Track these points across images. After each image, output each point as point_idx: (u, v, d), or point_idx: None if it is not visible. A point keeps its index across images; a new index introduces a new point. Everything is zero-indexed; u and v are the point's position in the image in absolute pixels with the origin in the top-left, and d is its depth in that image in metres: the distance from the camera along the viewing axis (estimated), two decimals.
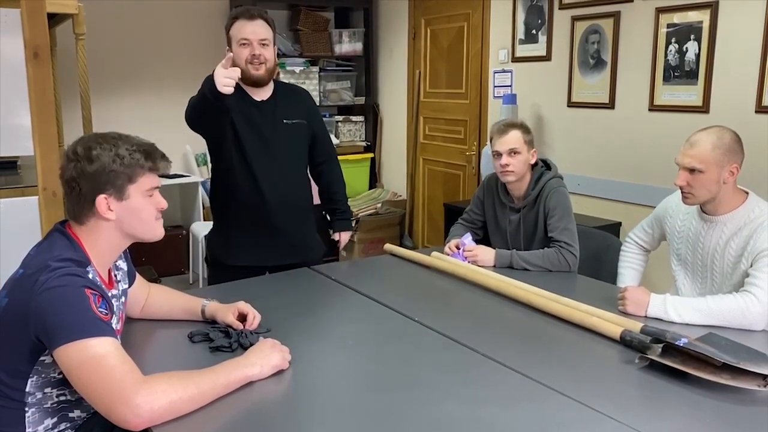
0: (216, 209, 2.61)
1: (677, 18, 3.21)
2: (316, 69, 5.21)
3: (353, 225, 3.00)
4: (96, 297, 1.39)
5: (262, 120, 2.45)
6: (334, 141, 4.60)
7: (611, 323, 1.79)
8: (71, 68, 3.82)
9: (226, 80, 2.03)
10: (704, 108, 3.12)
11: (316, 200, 2.73)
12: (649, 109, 3.38)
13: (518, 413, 1.39)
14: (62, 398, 1.46)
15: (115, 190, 1.49)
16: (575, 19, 3.70)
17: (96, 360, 1.32)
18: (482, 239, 2.69)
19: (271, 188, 2.45)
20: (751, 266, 1.92)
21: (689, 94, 3.19)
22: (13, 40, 2.72)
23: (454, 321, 1.94)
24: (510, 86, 4.17)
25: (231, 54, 2.12)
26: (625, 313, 1.91)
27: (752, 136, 2.92)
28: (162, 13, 4.95)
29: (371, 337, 1.84)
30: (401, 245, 4.08)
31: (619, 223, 3.52)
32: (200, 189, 4.87)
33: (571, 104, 3.81)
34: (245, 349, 1.65)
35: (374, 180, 5.56)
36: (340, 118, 5.43)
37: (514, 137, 2.44)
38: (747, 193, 2.04)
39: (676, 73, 3.24)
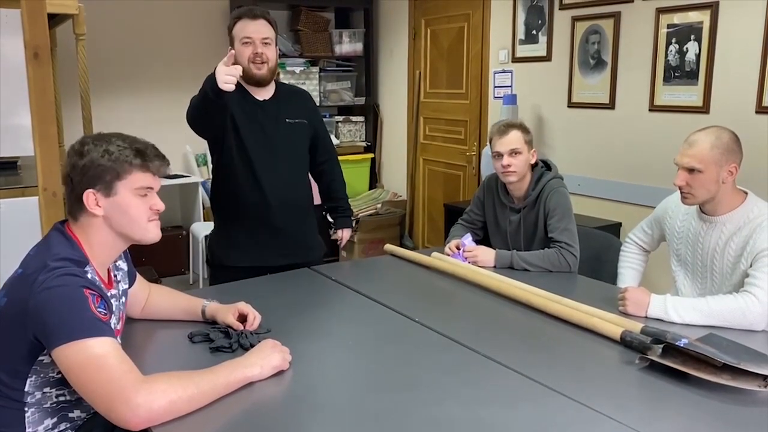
0: (217, 209, 2.61)
1: (677, 18, 3.21)
2: (316, 69, 5.21)
3: (353, 225, 3.01)
4: (95, 297, 1.39)
5: (265, 119, 2.46)
6: (334, 141, 4.60)
7: (611, 324, 1.79)
8: (71, 68, 3.82)
9: (227, 77, 2.04)
10: (704, 108, 3.12)
11: (316, 200, 2.74)
12: (650, 110, 3.38)
13: (518, 414, 1.39)
14: (61, 398, 1.46)
15: (103, 185, 1.48)
16: (575, 19, 3.70)
17: (95, 360, 1.32)
18: (482, 240, 2.69)
19: (272, 187, 2.45)
20: (751, 266, 1.92)
21: (689, 94, 3.19)
22: (14, 40, 2.72)
23: (454, 321, 1.94)
24: (510, 87, 4.17)
25: (233, 51, 2.13)
26: (625, 314, 1.91)
27: (752, 137, 2.93)
28: (162, 13, 4.95)
29: (371, 337, 1.84)
30: (401, 246, 4.08)
31: (620, 224, 3.52)
32: (200, 189, 4.87)
33: (571, 105, 3.81)
34: (245, 349, 1.65)
35: (374, 180, 5.56)
36: (341, 118, 5.43)
37: (515, 137, 2.44)
38: (746, 193, 2.04)
39: (676, 74, 3.24)
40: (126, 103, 4.86)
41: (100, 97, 4.45)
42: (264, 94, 2.48)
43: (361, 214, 4.98)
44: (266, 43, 2.38)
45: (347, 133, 5.44)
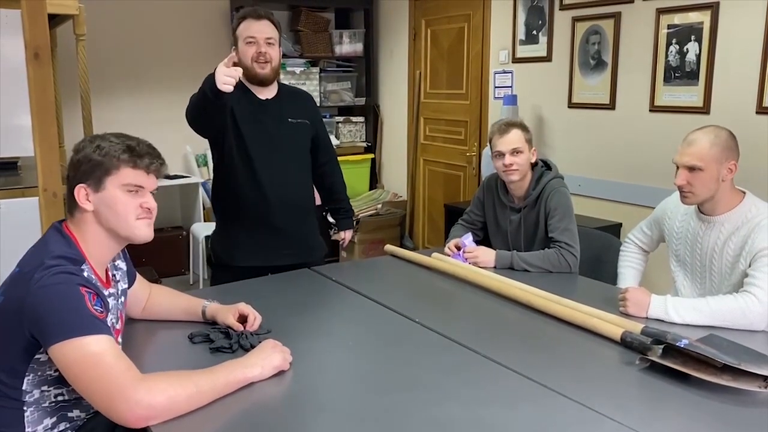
0: (218, 209, 2.61)
1: (678, 19, 3.21)
2: (316, 70, 5.21)
3: (354, 225, 3.03)
4: (91, 295, 1.39)
5: (267, 118, 2.47)
6: (335, 142, 4.61)
7: (612, 324, 1.79)
8: (72, 69, 3.82)
9: (226, 78, 2.05)
10: (705, 109, 3.12)
11: (317, 200, 2.75)
12: (650, 110, 3.38)
13: (519, 414, 1.39)
14: (60, 398, 1.46)
15: (93, 180, 1.49)
16: (576, 19, 3.70)
17: (93, 358, 1.32)
18: (483, 240, 2.69)
19: (272, 186, 2.46)
20: (750, 266, 1.92)
21: (690, 95, 3.19)
22: (14, 40, 2.72)
23: (454, 322, 1.94)
24: (510, 87, 4.17)
25: (233, 54, 2.14)
26: (626, 315, 1.91)
27: (753, 137, 2.93)
28: (162, 14, 4.95)
29: (371, 337, 1.84)
30: (402, 246, 4.08)
31: (620, 224, 3.52)
32: (200, 190, 4.87)
33: (571, 105, 3.81)
34: (246, 350, 1.66)
35: (374, 181, 5.56)
36: (341, 118, 5.44)
37: (516, 136, 2.44)
38: (744, 193, 2.04)
39: (676, 74, 3.24)
40: (126, 103, 4.86)
41: (100, 98, 4.45)
42: (267, 93, 2.49)
43: (361, 215, 4.98)
44: (270, 43, 2.40)
45: (347, 133, 5.44)
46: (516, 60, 4.13)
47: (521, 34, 4.07)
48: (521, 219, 2.53)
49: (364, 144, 5.49)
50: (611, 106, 3.57)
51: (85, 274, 1.45)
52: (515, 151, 2.42)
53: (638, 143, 3.45)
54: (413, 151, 5.14)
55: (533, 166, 2.52)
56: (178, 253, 4.91)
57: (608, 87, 3.56)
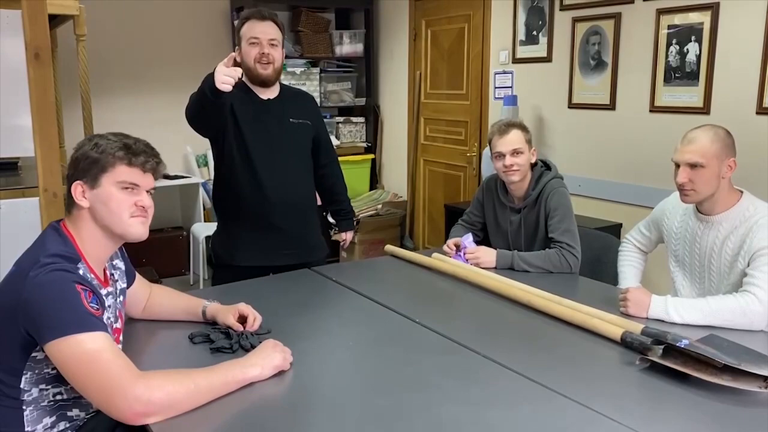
0: (218, 209, 2.62)
1: (678, 19, 3.21)
2: (316, 70, 5.21)
3: (355, 226, 3.04)
4: (87, 292, 1.40)
5: (269, 118, 2.48)
6: (335, 142, 4.61)
7: (612, 325, 1.79)
8: (72, 69, 3.82)
9: (225, 78, 2.06)
10: (705, 109, 3.12)
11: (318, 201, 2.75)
12: (650, 111, 3.38)
13: (519, 415, 1.39)
14: (59, 397, 1.47)
15: (89, 177, 1.50)
16: (576, 20, 3.70)
17: (90, 355, 1.32)
18: (483, 240, 2.69)
19: (273, 186, 2.46)
20: (749, 265, 1.93)
21: (690, 95, 3.19)
22: (14, 41, 2.72)
23: (454, 322, 1.94)
24: (511, 87, 4.17)
25: (233, 54, 2.15)
26: (626, 315, 1.91)
27: (753, 138, 2.93)
28: (162, 14, 4.95)
29: (372, 338, 1.84)
30: (402, 246, 4.08)
31: (620, 224, 3.52)
32: (201, 190, 4.87)
33: (571, 105, 3.81)
34: (246, 350, 1.66)
35: (375, 181, 5.57)
36: (341, 119, 5.44)
37: (516, 137, 2.44)
38: (741, 192, 2.05)
39: (676, 75, 3.24)
40: (126, 103, 4.87)
41: (100, 98, 4.45)
42: (269, 93, 2.50)
43: (361, 215, 4.98)
44: (273, 45, 2.42)
45: (348, 133, 5.44)
46: (516, 60, 4.13)
47: (521, 35, 4.07)
48: (521, 219, 2.52)
49: (365, 144, 5.49)
50: (611, 106, 3.57)
51: (81, 272, 1.45)
52: (515, 152, 2.42)
53: (638, 143, 3.45)
54: (413, 151, 5.14)
55: (533, 166, 2.52)
56: (179, 254, 4.91)
57: (608, 87, 3.57)
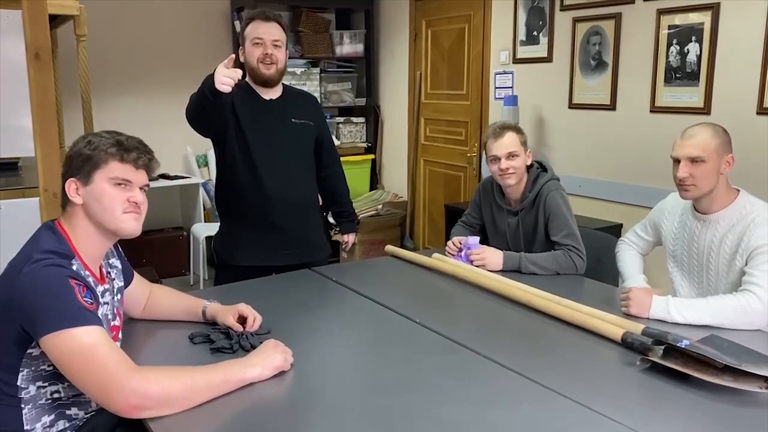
0: (220, 209, 2.62)
1: (678, 19, 3.21)
2: (317, 70, 5.21)
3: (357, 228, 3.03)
4: (80, 287, 1.41)
5: (271, 118, 2.48)
6: (335, 142, 4.60)
7: (613, 325, 1.79)
8: (72, 69, 3.82)
9: (225, 79, 2.06)
10: (705, 109, 3.12)
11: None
12: (651, 111, 3.38)
13: (519, 415, 1.39)
14: (56, 395, 1.47)
15: (83, 174, 1.51)
16: (576, 20, 3.70)
17: (86, 349, 1.33)
18: (483, 241, 2.68)
19: (274, 186, 2.46)
20: (747, 264, 1.93)
21: (690, 95, 3.19)
22: (15, 41, 2.72)
23: (454, 323, 1.94)
24: (511, 88, 4.17)
25: (233, 55, 2.15)
26: (628, 315, 1.91)
27: (753, 138, 2.93)
28: (163, 14, 4.95)
29: (372, 338, 1.84)
30: (402, 247, 4.08)
31: (620, 225, 3.52)
32: (201, 190, 4.87)
33: (572, 106, 3.81)
34: (246, 350, 1.66)
35: (375, 181, 5.57)
36: (341, 119, 5.44)
37: (511, 139, 2.42)
38: (738, 190, 2.05)
39: (677, 75, 3.24)
40: (127, 103, 4.87)
41: (100, 98, 4.46)
42: (271, 94, 2.51)
43: (361, 215, 4.98)
44: (276, 46, 2.43)
45: (348, 134, 5.44)
46: (516, 61, 4.13)
47: (522, 35, 4.07)
48: (519, 222, 2.52)
49: (365, 144, 5.50)
50: (612, 106, 3.57)
51: (75, 267, 1.46)
52: (511, 155, 2.40)
53: (639, 144, 3.45)
54: (414, 151, 5.14)
55: (529, 168, 2.51)
56: (179, 254, 4.91)
57: (609, 87, 3.56)
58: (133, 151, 1.54)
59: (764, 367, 1.47)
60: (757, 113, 2.94)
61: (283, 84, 2.56)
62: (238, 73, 2.10)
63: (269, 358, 1.53)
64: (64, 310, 1.35)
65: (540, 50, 3.95)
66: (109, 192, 1.52)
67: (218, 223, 2.70)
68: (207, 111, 2.22)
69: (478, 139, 4.49)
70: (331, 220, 2.96)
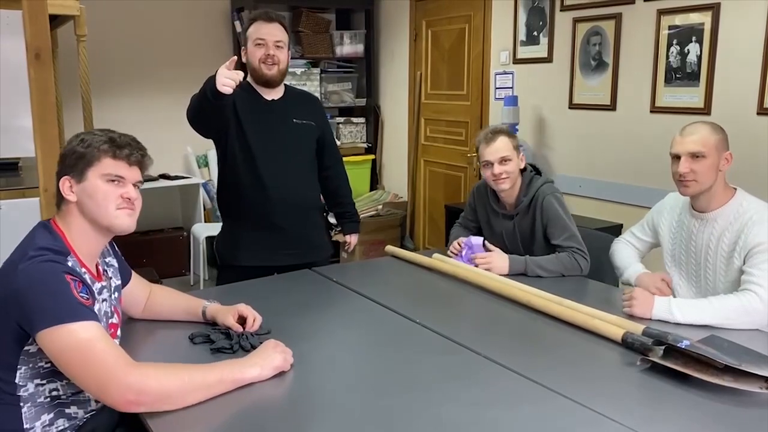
0: (222, 209, 2.63)
1: (679, 20, 3.21)
2: (317, 70, 5.21)
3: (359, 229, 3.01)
4: (76, 282, 1.41)
5: (272, 118, 2.49)
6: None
7: (613, 325, 1.79)
8: (73, 70, 3.82)
9: (226, 80, 2.07)
10: (706, 110, 3.12)
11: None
12: (651, 111, 3.38)
13: (520, 415, 1.39)
14: (55, 393, 1.47)
15: (76, 172, 1.52)
16: (576, 20, 3.70)
17: (83, 344, 1.34)
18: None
19: (275, 186, 2.47)
20: (745, 263, 1.94)
21: (691, 95, 3.19)
22: (15, 41, 2.72)
23: (455, 323, 1.94)
24: (511, 88, 4.17)
25: (235, 57, 2.16)
26: (630, 315, 1.90)
27: (754, 138, 2.93)
28: (163, 14, 4.95)
29: (372, 338, 1.84)
30: (402, 247, 4.08)
31: (620, 225, 3.52)
32: (201, 191, 4.87)
33: (572, 106, 3.80)
34: (246, 351, 1.66)
35: (375, 181, 5.57)
36: (341, 119, 5.44)
37: (503, 144, 2.40)
38: (735, 189, 2.06)
39: (677, 75, 3.24)
40: (127, 104, 4.87)
41: (101, 99, 4.45)
42: (273, 94, 2.52)
43: (361, 216, 4.96)
44: (278, 46, 2.44)
45: (348, 134, 5.44)
46: (517, 61, 4.13)
47: (522, 35, 4.07)
48: (515, 226, 2.50)
49: (365, 145, 5.50)
50: (612, 107, 3.57)
51: (70, 264, 1.46)
52: (503, 160, 2.39)
53: (639, 144, 3.45)
54: (414, 151, 5.14)
55: (522, 171, 2.50)
56: (179, 254, 4.91)
57: (609, 88, 3.56)
58: (126, 147, 1.55)
59: (764, 367, 1.47)
60: (758, 113, 2.94)
61: (285, 84, 2.57)
62: (240, 74, 2.10)
63: (269, 359, 1.53)
64: (61, 305, 1.36)
65: (540, 50, 3.95)
66: (102, 188, 1.52)
67: (218, 224, 2.70)
68: (208, 112, 2.23)
69: None
70: (331, 220, 2.96)
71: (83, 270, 1.51)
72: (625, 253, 2.34)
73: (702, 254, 2.09)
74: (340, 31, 5.37)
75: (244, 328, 1.78)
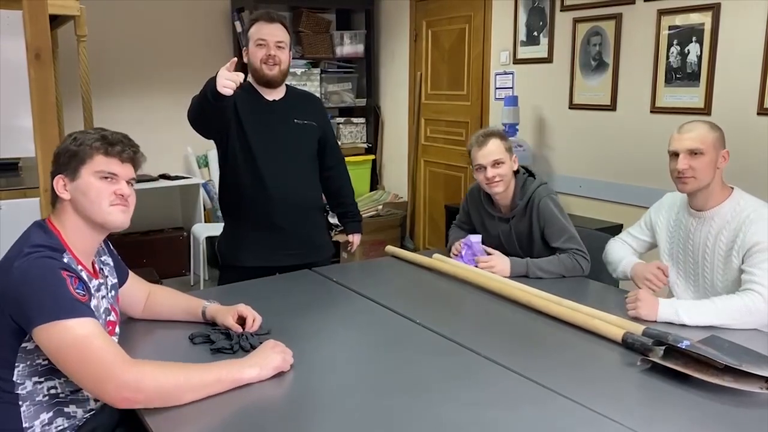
0: (224, 210, 2.63)
1: (679, 20, 3.20)
2: (317, 71, 5.21)
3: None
4: (72, 278, 1.42)
5: (273, 118, 2.49)
6: None
7: (613, 326, 1.79)
8: (73, 70, 3.82)
9: (227, 82, 2.07)
10: (706, 110, 3.12)
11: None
12: (651, 111, 3.38)
13: (520, 416, 1.39)
14: (53, 391, 1.48)
15: (70, 170, 1.53)
16: (577, 21, 3.70)
17: (80, 341, 1.35)
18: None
19: (276, 186, 2.47)
20: (744, 262, 1.94)
21: (691, 96, 3.19)
22: (15, 41, 2.72)
23: (455, 323, 1.94)
24: (511, 88, 4.17)
25: (235, 59, 2.16)
26: (636, 318, 1.88)
27: (754, 138, 2.93)
28: (163, 14, 4.95)
29: (372, 339, 1.84)
30: (402, 247, 4.08)
31: (621, 225, 3.52)
32: (201, 191, 4.87)
33: (572, 106, 3.80)
34: (246, 351, 1.66)
35: (375, 182, 5.57)
36: (342, 119, 5.44)
37: (495, 147, 2.38)
38: (732, 188, 2.07)
39: (677, 75, 3.24)
40: (127, 104, 4.87)
41: (101, 99, 4.45)
42: (274, 95, 2.52)
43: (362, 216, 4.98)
44: (280, 47, 2.44)
45: (348, 134, 5.44)
46: (517, 61, 4.13)
47: (522, 36, 4.07)
48: (511, 229, 2.50)
49: (365, 145, 5.50)
50: (612, 107, 3.57)
51: (66, 260, 1.47)
52: (496, 163, 2.37)
53: (639, 144, 3.45)
54: (414, 152, 5.14)
55: (516, 173, 2.49)
56: (179, 254, 4.91)
57: (609, 88, 3.56)
58: (118, 144, 1.56)
59: (764, 367, 1.47)
60: (758, 114, 2.94)
61: (286, 85, 2.57)
62: (240, 76, 2.11)
63: (267, 359, 1.53)
64: (57, 301, 1.36)
65: (540, 51, 3.95)
66: (95, 185, 1.53)
67: (219, 224, 2.71)
68: (208, 114, 2.23)
69: None
70: (331, 220, 2.95)
71: (79, 267, 1.51)
72: (619, 248, 2.34)
73: (699, 253, 2.09)
74: (340, 31, 5.37)
75: (243, 329, 1.78)
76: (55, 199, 1.56)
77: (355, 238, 2.82)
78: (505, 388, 1.52)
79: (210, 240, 4.49)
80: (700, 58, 3.13)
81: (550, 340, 1.82)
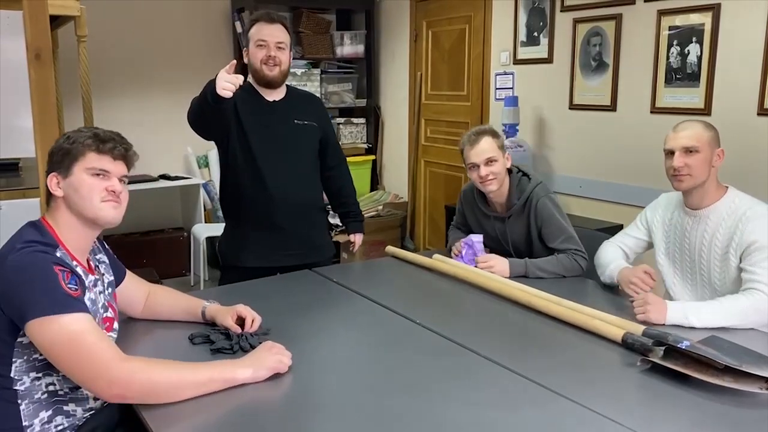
0: (225, 210, 2.63)
1: (679, 20, 3.20)
2: (317, 71, 5.21)
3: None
4: (65, 273, 1.42)
5: (273, 119, 2.49)
6: None
7: (613, 326, 1.79)
8: (73, 70, 3.82)
9: (226, 84, 2.07)
10: (706, 110, 3.12)
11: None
12: (651, 112, 3.38)
13: (520, 416, 1.39)
14: (51, 387, 1.48)
15: (63, 168, 1.55)
16: (577, 21, 3.70)
17: (73, 336, 1.36)
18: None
19: (277, 187, 2.47)
20: (742, 260, 1.94)
21: (691, 96, 3.19)
22: (15, 41, 2.72)
23: (455, 323, 1.94)
24: (511, 88, 4.17)
25: (235, 61, 2.16)
26: (645, 321, 1.86)
27: (754, 139, 2.93)
28: (163, 15, 4.95)
29: (372, 339, 1.84)
30: (402, 247, 4.08)
31: (621, 225, 3.51)
32: (201, 191, 4.87)
33: (572, 106, 3.80)
34: (246, 351, 1.66)
35: (375, 182, 5.57)
36: (342, 120, 5.44)
37: (488, 144, 2.37)
38: (727, 187, 2.08)
39: (677, 76, 3.24)
40: (127, 104, 4.87)
41: (101, 99, 4.46)
42: (274, 95, 2.52)
43: None
44: (280, 48, 2.44)
45: (348, 134, 5.44)
46: (517, 61, 4.13)
47: (522, 36, 4.07)
48: (506, 228, 2.50)
49: (365, 145, 5.50)
50: (612, 107, 3.57)
51: (59, 254, 1.47)
52: (489, 161, 2.36)
53: (639, 145, 3.45)
54: (414, 152, 5.14)
55: (509, 171, 2.48)
56: (179, 254, 4.91)
57: (609, 88, 3.56)
58: (109, 141, 1.57)
59: (764, 367, 1.47)
60: (758, 114, 2.94)
61: (287, 85, 2.57)
62: (240, 78, 2.11)
63: (262, 360, 1.53)
64: (49, 296, 1.37)
65: (540, 51, 3.95)
66: (87, 182, 1.54)
67: (219, 224, 2.71)
68: (208, 115, 2.23)
69: None
70: (332, 220, 2.95)
71: (74, 263, 1.52)
72: (610, 251, 2.33)
73: (696, 251, 2.10)
74: (340, 31, 5.37)
75: (243, 329, 1.77)
76: (49, 197, 1.57)
77: (357, 238, 2.81)
78: (505, 389, 1.52)
79: (210, 240, 4.49)
80: (700, 58, 3.13)
81: (550, 340, 1.82)
